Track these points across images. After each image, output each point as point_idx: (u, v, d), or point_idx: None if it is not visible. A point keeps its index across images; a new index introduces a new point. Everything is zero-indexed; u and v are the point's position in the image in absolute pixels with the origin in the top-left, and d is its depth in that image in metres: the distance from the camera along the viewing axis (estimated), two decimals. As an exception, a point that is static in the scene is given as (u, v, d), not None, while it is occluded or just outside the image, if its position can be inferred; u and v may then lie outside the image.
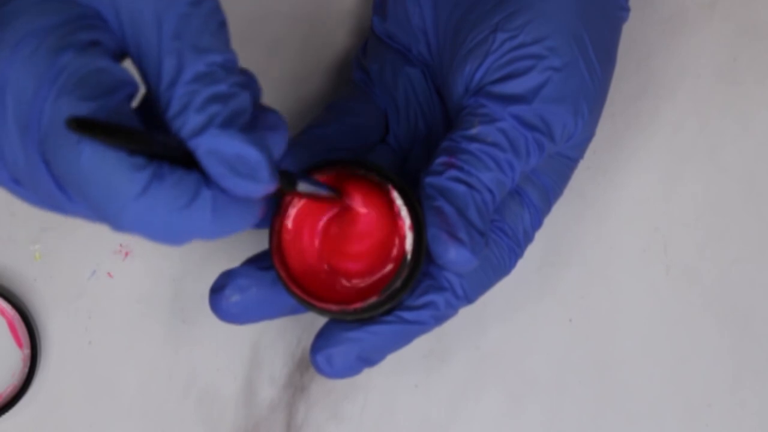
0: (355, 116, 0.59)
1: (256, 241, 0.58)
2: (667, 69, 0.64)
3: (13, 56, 0.43)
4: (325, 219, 0.54)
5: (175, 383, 0.63)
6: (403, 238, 0.53)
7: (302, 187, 0.49)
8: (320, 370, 0.55)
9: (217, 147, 0.43)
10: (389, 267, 0.53)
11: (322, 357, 0.55)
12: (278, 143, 0.46)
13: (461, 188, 0.53)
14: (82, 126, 0.40)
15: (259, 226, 0.54)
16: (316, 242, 0.54)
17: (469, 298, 0.56)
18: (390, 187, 0.53)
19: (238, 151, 0.43)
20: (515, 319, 0.63)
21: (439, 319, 0.56)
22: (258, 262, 0.56)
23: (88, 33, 0.44)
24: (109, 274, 0.63)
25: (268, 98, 0.64)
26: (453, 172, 0.53)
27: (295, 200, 0.54)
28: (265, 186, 0.44)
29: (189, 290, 0.63)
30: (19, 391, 0.61)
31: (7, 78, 0.43)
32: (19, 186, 0.45)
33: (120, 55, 0.45)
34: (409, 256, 0.53)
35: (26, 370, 0.62)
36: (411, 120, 0.59)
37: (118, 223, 0.43)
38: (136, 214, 0.42)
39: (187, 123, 0.43)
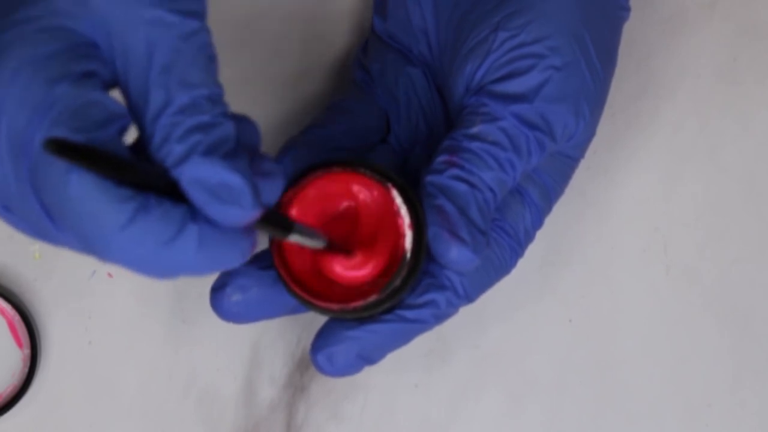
0: (355, 116, 0.59)
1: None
2: (667, 69, 0.64)
3: (9, 84, 0.43)
4: (325, 218, 0.54)
5: (175, 383, 0.63)
6: (402, 237, 0.53)
7: (295, 237, 0.49)
8: (321, 369, 0.55)
9: (199, 175, 0.43)
10: (389, 266, 0.53)
11: (323, 356, 0.55)
12: (273, 191, 0.46)
13: (462, 187, 0.53)
14: (62, 149, 0.40)
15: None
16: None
17: (469, 297, 0.56)
18: (390, 185, 0.53)
19: (221, 178, 0.43)
20: (515, 318, 0.63)
21: (440, 318, 0.56)
22: (258, 262, 0.56)
23: (84, 63, 0.44)
24: (109, 274, 0.63)
25: (268, 98, 0.64)
26: (454, 171, 0.54)
27: (295, 200, 0.54)
28: (249, 212, 0.43)
29: (189, 290, 0.63)
30: (19, 391, 0.61)
31: (4, 106, 0.43)
32: (10, 213, 0.45)
33: (113, 85, 0.45)
34: (408, 255, 0.53)
35: (26, 370, 0.62)
36: (412, 120, 0.59)
37: (104, 254, 0.43)
38: (122, 246, 0.42)
39: (171, 153, 0.43)
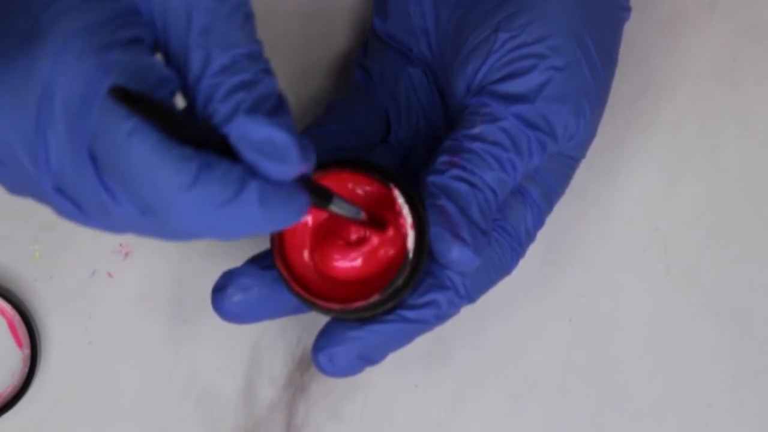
0: (356, 116, 0.59)
1: (257, 241, 0.58)
2: (667, 69, 0.64)
3: (59, 58, 0.43)
4: (327, 217, 0.54)
5: (175, 383, 0.63)
6: (404, 237, 0.53)
7: (336, 206, 0.49)
8: (322, 370, 0.55)
9: (245, 133, 0.43)
10: (391, 266, 0.53)
11: (325, 356, 0.55)
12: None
13: (464, 187, 0.53)
14: (127, 98, 0.40)
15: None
16: (318, 241, 0.54)
17: (471, 297, 0.56)
18: (392, 185, 0.53)
19: (266, 134, 0.43)
20: (515, 318, 0.63)
21: (441, 318, 0.56)
22: (259, 262, 0.56)
23: (130, 30, 0.44)
24: (109, 274, 0.63)
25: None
26: (455, 171, 0.54)
27: None
28: (295, 167, 0.44)
29: (189, 290, 0.63)
30: (19, 391, 0.61)
31: (55, 80, 0.43)
32: (62, 195, 0.45)
33: (156, 50, 0.46)
34: (410, 255, 0.53)
35: (26, 370, 0.62)
36: (412, 119, 0.59)
37: (168, 218, 0.43)
38: (186, 207, 0.42)
39: (216, 113, 0.43)
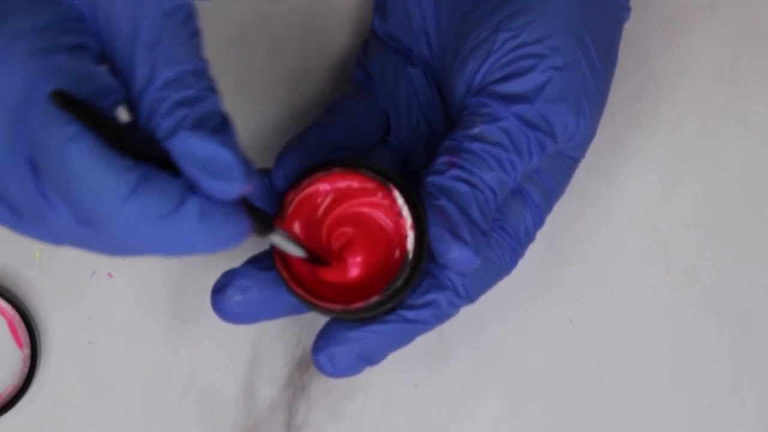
0: (356, 116, 0.59)
1: (256, 242, 0.58)
2: (667, 69, 0.64)
3: (4, 54, 0.43)
4: (327, 219, 0.54)
5: (175, 383, 0.63)
6: (404, 238, 0.53)
7: (276, 239, 0.49)
8: (322, 370, 0.55)
9: (187, 149, 0.43)
10: (391, 266, 0.53)
11: (324, 356, 0.55)
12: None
13: (463, 187, 0.53)
14: (68, 103, 0.40)
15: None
16: (318, 242, 0.54)
17: (470, 298, 0.56)
18: (391, 186, 0.53)
19: (208, 152, 0.43)
20: (515, 318, 0.63)
21: (441, 318, 0.56)
22: (259, 262, 0.56)
23: (75, 36, 0.44)
24: (109, 274, 0.63)
25: (268, 98, 0.64)
26: (455, 172, 0.54)
27: (296, 200, 0.54)
28: (238, 185, 0.43)
29: (189, 290, 0.63)
30: (19, 391, 0.61)
31: None
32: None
33: (101, 59, 0.45)
34: (410, 255, 0.53)
35: (26, 370, 0.62)
36: (412, 120, 0.59)
37: (106, 229, 0.42)
38: (123, 219, 0.42)
39: (159, 127, 0.43)
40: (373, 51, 0.60)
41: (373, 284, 0.53)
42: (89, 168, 0.41)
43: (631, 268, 0.63)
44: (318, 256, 0.53)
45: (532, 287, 0.62)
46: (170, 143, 0.43)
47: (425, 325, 0.55)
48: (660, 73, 0.64)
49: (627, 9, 0.58)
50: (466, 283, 0.55)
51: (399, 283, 0.53)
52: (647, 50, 0.64)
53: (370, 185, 0.54)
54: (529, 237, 0.57)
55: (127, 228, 0.42)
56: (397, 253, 0.54)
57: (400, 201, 0.53)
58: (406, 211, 0.53)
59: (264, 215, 0.48)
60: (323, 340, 0.55)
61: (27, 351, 0.62)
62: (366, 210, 0.54)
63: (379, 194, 0.54)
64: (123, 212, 0.42)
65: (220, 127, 0.44)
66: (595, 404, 0.62)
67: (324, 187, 0.54)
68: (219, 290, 0.56)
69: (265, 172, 0.56)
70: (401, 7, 0.59)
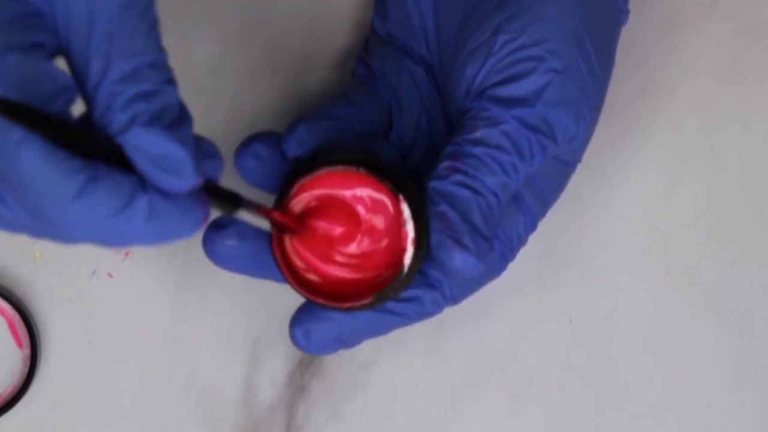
0: (364, 105, 0.59)
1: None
2: (666, 69, 0.64)
3: None
4: (329, 213, 0.54)
5: (175, 383, 0.63)
6: (403, 250, 0.53)
7: (244, 213, 0.49)
8: (296, 344, 0.56)
9: (141, 145, 0.43)
10: (386, 272, 0.54)
11: (300, 331, 0.56)
12: (213, 170, 0.46)
13: (466, 193, 0.53)
14: (14, 110, 0.40)
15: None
16: (317, 236, 0.54)
17: (455, 299, 0.56)
18: (400, 197, 0.53)
19: (162, 148, 0.43)
20: (515, 318, 0.63)
21: (422, 315, 0.56)
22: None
23: (32, 34, 0.44)
24: (109, 274, 0.63)
25: (268, 97, 0.64)
26: (457, 177, 0.53)
27: (305, 187, 0.54)
28: (189, 181, 0.44)
29: (189, 290, 0.63)
30: (19, 391, 0.61)
31: None
32: None
33: (58, 54, 0.45)
34: (406, 270, 0.53)
35: (26, 370, 0.62)
36: (413, 116, 0.59)
37: (55, 227, 0.43)
38: (73, 218, 0.42)
39: (113, 122, 0.43)
40: (374, 49, 0.60)
41: (365, 285, 0.54)
42: (38, 170, 0.42)
43: (631, 268, 0.63)
44: (284, 226, 0.53)
45: (532, 287, 0.62)
46: (123, 139, 0.43)
47: (405, 319, 0.56)
48: (659, 74, 0.64)
49: (626, 11, 0.58)
50: (452, 286, 0.55)
51: (390, 294, 0.53)
52: (647, 50, 0.64)
53: (379, 189, 0.53)
54: (521, 241, 0.57)
55: (75, 225, 0.43)
56: (395, 261, 0.53)
57: (406, 214, 0.53)
58: (410, 226, 0.53)
59: (230, 195, 0.48)
60: (303, 314, 0.56)
61: (27, 351, 0.62)
62: (372, 212, 0.54)
63: (386, 200, 0.54)
64: (70, 212, 0.42)
65: (176, 121, 0.44)
66: (595, 404, 0.62)
67: (333, 182, 0.54)
68: (217, 227, 0.56)
69: (272, 137, 0.56)
70: (401, 8, 0.59)
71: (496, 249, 0.56)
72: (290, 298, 0.56)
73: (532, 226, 0.57)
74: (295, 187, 0.53)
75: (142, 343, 0.63)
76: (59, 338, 0.63)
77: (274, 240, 0.54)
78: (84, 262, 0.63)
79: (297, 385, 0.63)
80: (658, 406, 0.62)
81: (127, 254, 0.63)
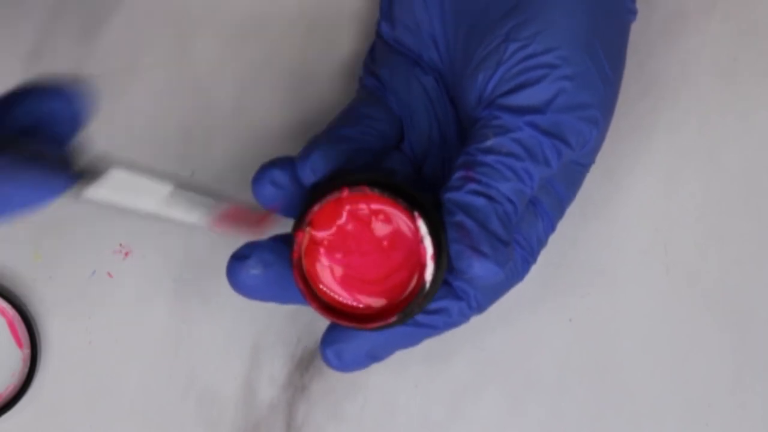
0: (376, 120, 0.58)
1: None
2: (667, 69, 0.64)
3: None
4: (346, 237, 0.55)
5: (175, 383, 0.63)
6: (423, 267, 0.53)
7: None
8: (329, 364, 0.56)
9: None
10: (409, 289, 0.54)
11: (332, 351, 0.56)
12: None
13: (481, 201, 0.53)
14: None
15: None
16: (338, 259, 0.54)
17: (481, 308, 0.56)
18: (416, 214, 0.53)
19: None
20: (516, 318, 0.63)
21: (450, 326, 0.56)
22: (285, 241, 0.56)
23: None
24: (109, 274, 0.63)
25: (270, 100, 0.64)
26: (472, 186, 0.53)
27: (317, 217, 0.54)
28: None
29: (189, 290, 0.63)
30: (19, 391, 0.61)
31: None
32: None
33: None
34: (428, 286, 0.53)
35: (26, 370, 0.62)
36: (425, 127, 0.59)
37: None
38: None
39: None
40: (380, 57, 0.60)
41: (389, 304, 0.54)
42: None
43: (631, 269, 0.63)
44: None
45: (533, 287, 0.62)
46: None
47: (434, 330, 0.56)
48: (660, 74, 0.64)
49: (634, 11, 0.58)
50: (478, 296, 0.56)
51: (415, 310, 0.53)
52: (647, 51, 0.64)
53: (396, 209, 0.54)
54: (541, 244, 0.58)
55: None
56: (417, 280, 0.54)
57: (423, 231, 0.53)
58: (428, 242, 0.53)
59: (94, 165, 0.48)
60: (332, 335, 0.56)
61: (27, 351, 0.62)
62: (392, 232, 0.54)
63: (406, 219, 0.54)
64: None
65: None
66: (595, 404, 0.62)
67: (350, 205, 0.54)
68: (239, 258, 0.55)
69: (287, 163, 0.56)
70: (409, 14, 0.59)
71: (518, 254, 0.57)
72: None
73: (551, 228, 0.58)
74: (311, 214, 0.54)
75: (142, 344, 0.63)
76: (59, 338, 0.63)
77: (295, 267, 0.54)
78: (84, 262, 0.63)
79: (297, 386, 0.63)
80: (659, 406, 0.62)
81: (126, 254, 0.63)
